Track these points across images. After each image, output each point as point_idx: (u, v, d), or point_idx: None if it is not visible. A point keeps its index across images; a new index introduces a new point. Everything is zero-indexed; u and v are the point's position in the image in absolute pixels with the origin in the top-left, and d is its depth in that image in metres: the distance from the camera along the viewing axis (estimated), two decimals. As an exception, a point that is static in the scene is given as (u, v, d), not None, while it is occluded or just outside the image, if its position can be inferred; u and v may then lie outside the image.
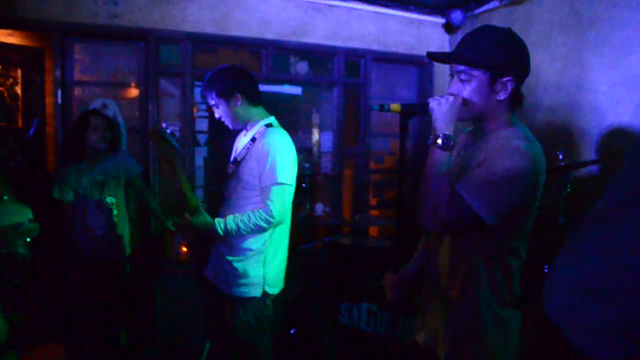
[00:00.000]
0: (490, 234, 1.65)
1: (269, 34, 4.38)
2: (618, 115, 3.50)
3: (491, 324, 1.72)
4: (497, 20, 4.60)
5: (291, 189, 2.52)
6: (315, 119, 6.04)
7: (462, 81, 1.70)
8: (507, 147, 1.61)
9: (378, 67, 4.96)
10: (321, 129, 5.66)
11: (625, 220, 0.67)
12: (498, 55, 1.66)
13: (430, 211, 1.61)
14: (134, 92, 4.20)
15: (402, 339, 2.98)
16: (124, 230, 3.54)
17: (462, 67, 1.69)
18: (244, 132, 2.71)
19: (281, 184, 2.44)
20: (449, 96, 1.68)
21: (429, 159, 1.65)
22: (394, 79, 5.15)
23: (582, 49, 3.81)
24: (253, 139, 2.55)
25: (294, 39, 4.48)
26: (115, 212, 3.45)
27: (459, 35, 4.99)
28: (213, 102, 2.59)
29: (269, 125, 2.59)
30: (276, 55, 4.51)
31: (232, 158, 2.67)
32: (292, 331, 3.83)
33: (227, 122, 2.62)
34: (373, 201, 5.18)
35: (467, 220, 1.58)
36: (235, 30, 4.26)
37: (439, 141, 1.63)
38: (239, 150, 2.66)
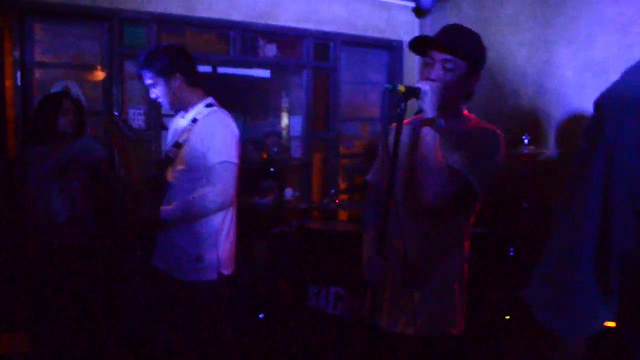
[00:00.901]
0: (465, 208, 1.85)
1: (237, 16, 4.31)
2: (582, 101, 3.56)
3: (460, 298, 1.87)
4: (466, 5, 4.61)
5: (235, 167, 2.49)
6: (285, 103, 6.00)
7: (446, 69, 1.79)
8: (486, 130, 1.83)
9: (348, 50, 4.93)
10: (290, 113, 5.63)
11: (565, 213, 0.81)
12: (477, 53, 1.85)
13: (435, 188, 1.72)
14: (97, 74, 4.09)
15: (369, 322, 3.00)
16: (88, 216, 3.47)
17: (449, 57, 1.78)
18: (180, 114, 2.66)
19: (226, 162, 2.43)
20: (437, 82, 1.76)
21: (425, 142, 1.73)
22: (364, 63, 5.14)
23: (549, 34, 3.85)
24: (194, 120, 2.52)
25: (262, 21, 4.42)
26: (79, 197, 3.37)
27: (428, 19, 5.00)
28: (150, 82, 2.51)
29: (209, 105, 2.57)
30: (244, 37, 4.45)
31: (172, 142, 2.61)
32: (260, 316, 3.83)
33: (165, 102, 2.56)
34: (343, 185, 5.19)
35: (464, 194, 1.75)
36: (202, 11, 4.17)
37: (435, 123, 1.72)
38: (178, 132, 2.61)
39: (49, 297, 3.35)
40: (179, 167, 2.51)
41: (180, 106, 2.61)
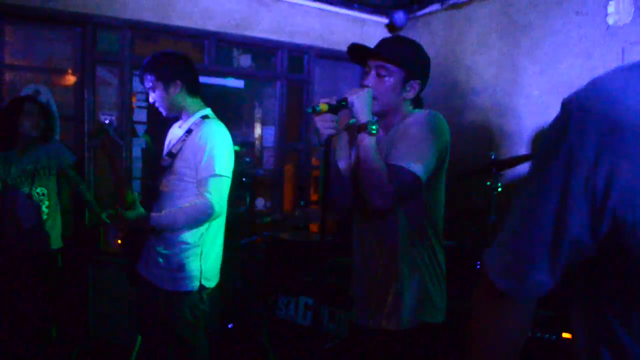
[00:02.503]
0: (416, 206, 1.88)
1: (212, 26, 4.33)
2: (547, 120, 3.67)
3: (434, 287, 1.93)
4: (438, 23, 4.73)
5: (228, 181, 2.50)
6: (258, 113, 6.01)
7: (380, 76, 1.89)
8: (418, 119, 1.88)
9: (321, 63, 4.99)
10: (264, 124, 5.64)
11: (528, 192, 0.94)
12: (414, 60, 1.92)
13: (377, 190, 1.76)
14: (69, 79, 4.05)
15: (338, 333, 3.03)
16: (56, 222, 3.42)
17: (382, 63, 1.88)
18: (178, 123, 2.67)
19: (219, 175, 2.43)
20: (363, 89, 1.85)
21: (362, 146, 1.80)
22: (337, 76, 5.21)
23: (516, 55, 3.98)
24: (189, 131, 2.51)
25: (238, 31, 4.45)
26: (46, 203, 3.32)
27: (400, 36, 5.09)
28: (150, 85, 2.52)
29: (205, 117, 2.56)
30: (219, 47, 4.46)
31: (166, 150, 2.61)
32: (229, 326, 3.82)
33: (162, 108, 2.56)
34: (314, 196, 5.22)
35: (407, 184, 1.77)
36: (177, 19, 4.18)
37: (368, 128, 1.79)
38: (173, 142, 2.61)
39: (15, 303, 3.28)
40: (171, 176, 2.50)
41: (177, 113, 2.60)
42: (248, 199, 4.28)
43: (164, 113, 2.59)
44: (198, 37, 4.35)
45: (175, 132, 2.65)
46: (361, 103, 1.81)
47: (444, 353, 1.98)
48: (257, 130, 6.00)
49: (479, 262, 3.44)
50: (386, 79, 1.88)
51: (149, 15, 4.06)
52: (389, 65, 1.88)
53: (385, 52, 1.90)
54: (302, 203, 4.61)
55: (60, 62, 4.02)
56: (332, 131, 1.85)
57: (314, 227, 5.05)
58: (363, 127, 1.80)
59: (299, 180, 5.05)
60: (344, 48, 1.97)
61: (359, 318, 2.03)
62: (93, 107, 3.98)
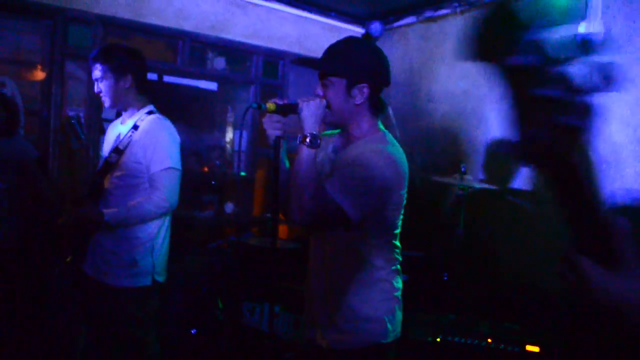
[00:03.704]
0: (364, 230, 1.81)
1: (187, 26, 4.27)
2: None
3: (383, 305, 1.87)
4: (414, 35, 4.76)
5: (179, 174, 2.53)
6: (230, 117, 5.97)
7: (325, 86, 1.86)
8: (373, 151, 1.78)
9: (296, 69, 4.97)
10: (236, 128, 5.59)
11: None
12: (355, 63, 1.83)
13: (296, 203, 1.74)
14: (36, 72, 3.94)
15: (302, 338, 2.99)
16: (14, 219, 3.30)
17: (324, 74, 1.86)
18: (119, 119, 2.68)
19: (171, 168, 2.46)
20: (316, 97, 1.83)
21: (297, 156, 1.77)
22: (312, 82, 5.18)
23: (488, 69, 4.03)
24: (135, 127, 2.52)
25: (213, 33, 4.40)
26: (5, 199, 3.21)
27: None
28: (100, 75, 2.50)
29: (150, 113, 2.58)
30: (193, 48, 4.40)
31: (109, 147, 2.58)
32: (192, 331, 3.74)
33: (107, 99, 2.54)
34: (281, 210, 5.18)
35: (330, 213, 1.73)
36: (151, 17, 4.10)
37: (307, 140, 1.76)
38: (113, 139, 2.60)
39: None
40: (117, 173, 2.48)
41: (122, 107, 2.61)
42: (217, 203, 4.23)
43: (107, 104, 2.57)
44: (172, 36, 4.28)
45: (118, 128, 2.64)
46: (309, 112, 1.78)
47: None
48: (229, 134, 5.96)
49: (446, 274, 3.46)
50: (330, 88, 1.84)
51: (122, 11, 3.99)
52: (329, 75, 1.85)
53: (322, 64, 1.87)
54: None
55: (28, 55, 3.91)
56: (278, 132, 1.83)
57: (282, 234, 5.02)
58: (304, 138, 1.77)
59: (269, 185, 5.01)
60: (319, 55, 1.95)
61: (306, 332, 1.99)
62: (60, 103, 3.87)
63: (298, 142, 1.78)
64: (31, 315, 3.60)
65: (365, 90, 1.83)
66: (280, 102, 1.82)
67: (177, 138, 2.57)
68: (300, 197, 1.72)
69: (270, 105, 1.79)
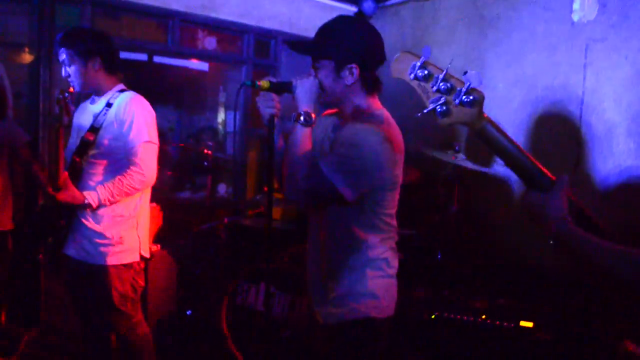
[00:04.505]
0: (360, 209, 1.80)
1: (177, 5, 4.20)
2: (509, 114, 3.72)
3: (377, 281, 1.87)
4: (406, 13, 4.72)
5: (157, 148, 2.55)
6: (222, 97, 5.92)
7: (315, 68, 1.84)
8: (367, 130, 1.75)
9: (289, 49, 4.91)
10: (227, 109, 5.56)
11: None
12: (343, 44, 1.79)
13: (291, 181, 1.74)
14: (24, 54, 3.87)
15: (299, 320, 3.01)
16: (7, 203, 3.28)
17: (313, 56, 1.84)
18: (89, 100, 2.68)
19: (149, 142, 2.48)
20: (310, 77, 1.81)
21: (292, 134, 1.76)
22: (304, 62, 5.13)
23: (483, 47, 4.01)
24: (109, 104, 2.53)
25: (204, 12, 4.33)
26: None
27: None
28: (66, 59, 2.49)
29: (122, 91, 2.59)
30: (183, 27, 4.34)
31: (84, 127, 2.55)
32: (187, 312, 3.76)
33: (76, 83, 2.53)
34: (277, 184, 5.17)
35: (325, 192, 1.73)
36: (141, -3, 4.04)
37: (301, 118, 1.75)
38: (85, 119, 2.58)
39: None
40: (94, 151, 2.49)
41: (92, 90, 2.60)
42: (210, 185, 4.21)
43: (76, 88, 2.56)
44: (162, 16, 4.22)
45: (89, 108, 2.63)
46: (303, 90, 1.78)
47: (392, 347, 1.97)
48: (221, 115, 5.92)
49: (440, 252, 3.48)
50: (320, 70, 1.82)
51: (110, -9, 3.92)
52: (318, 58, 1.83)
53: (309, 48, 1.87)
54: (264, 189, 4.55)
55: (15, 37, 3.84)
56: (272, 110, 1.82)
57: (276, 214, 5.01)
58: (297, 117, 1.76)
59: (262, 167, 4.99)
60: (313, 34, 1.92)
61: (313, 306, 2.00)
62: (49, 85, 3.82)
63: (292, 120, 1.77)
64: (26, 302, 3.60)
65: (355, 70, 1.80)
66: (274, 80, 1.81)
67: (153, 113, 2.58)
68: (294, 176, 1.72)
69: (264, 83, 1.77)
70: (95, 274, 2.49)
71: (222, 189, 5.07)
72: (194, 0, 4.27)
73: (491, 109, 4.02)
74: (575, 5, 3.40)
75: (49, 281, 3.57)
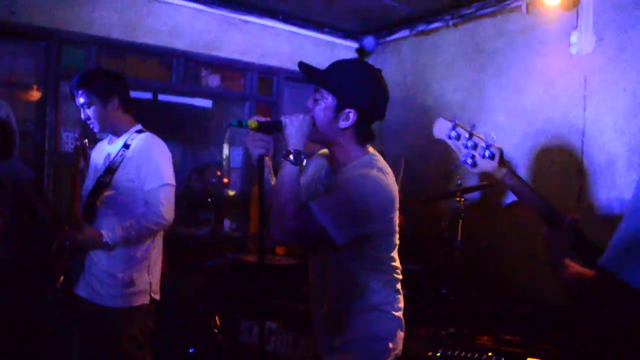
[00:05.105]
0: (358, 251, 1.76)
1: (181, 45, 4.28)
2: (511, 145, 3.73)
3: (384, 324, 1.84)
4: (406, 48, 4.79)
5: (174, 189, 2.54)
6: (226, 133, 5.96)
7: (315, 100, 1.80)
8: (361, 176, 1.71)
9: (291, 85, 4.99)
10: (231, 144, 5.59)
11: None
12: (349, 87, 1.76)
13: (276, 220, 1.68)
14: (31, 94, 3.93)
15: (301, 357, 2.96)
16: (10, 240, 3.29)
17: (319, 87, 1.79)
18: (106, 140, 2.68)
19: (168, 184, 2.48)
20: (300, 114, 1.77)
21: (280, 172, 1.72)
22: (307, 98, 5.19)
23: (483, 81, 4.05)
24: (126, 145, 2.53)
25: (207, 51, 4.41)
26: (1, 221, 3.20)
27: (370, 60, 5.15)
28: (86, 101, 2.49)
29: (139, 131, 2.60)
30: (187, 66, 4.41)
31: (101, 168, 2.56)
32: (191, 350, 3.70)
33: (96, 124, 2.54)
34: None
35: (312, 235, 1.68)
36: (145, 37, 4.12)
37: (291, 156, 1.70)
38: (102, 159, 2.59)
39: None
40: (109, 192, 2.48)
41: (111, 130, 2.60)
42: (214, 221, 4.21)
43: (96, 129, 2.57)
44: (166, 55, 4.30)
45: (106, 148, 2.64)
46: (294, 128, 1.72)
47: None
48: (225, 150, 5.95)
49: (444, 287, 3.44)
50: (320, 103, 1.78)
51: (116, 32, 4.00)
52: (323, 90, 1.78)
53: (320, 75, 1.80)
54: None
55: (22, 77, 3.91)
56: (261, 151, 1.79)
57: (280, 250, 4.99)
58: (287, 154, 1.71)
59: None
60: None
61: (316, 347, 1.96)
62: (55, 124, 3.87)
63: (282, 158, 1.72)
64: (28, 336, 3.56)
65: (352, 116, 1.75)
66: (262, 120, 1.76)
67: (169, 154, 2.58)
68: (281, 215, 1.67)
69: (252, 122, 1.73)
70: (103, 315, 2.45)
71: (226, 224, 5.06)
72: (197, 40, 4.36)
73: (495, 142, 4.03)
74: (573, 39, 3.44)
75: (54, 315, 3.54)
